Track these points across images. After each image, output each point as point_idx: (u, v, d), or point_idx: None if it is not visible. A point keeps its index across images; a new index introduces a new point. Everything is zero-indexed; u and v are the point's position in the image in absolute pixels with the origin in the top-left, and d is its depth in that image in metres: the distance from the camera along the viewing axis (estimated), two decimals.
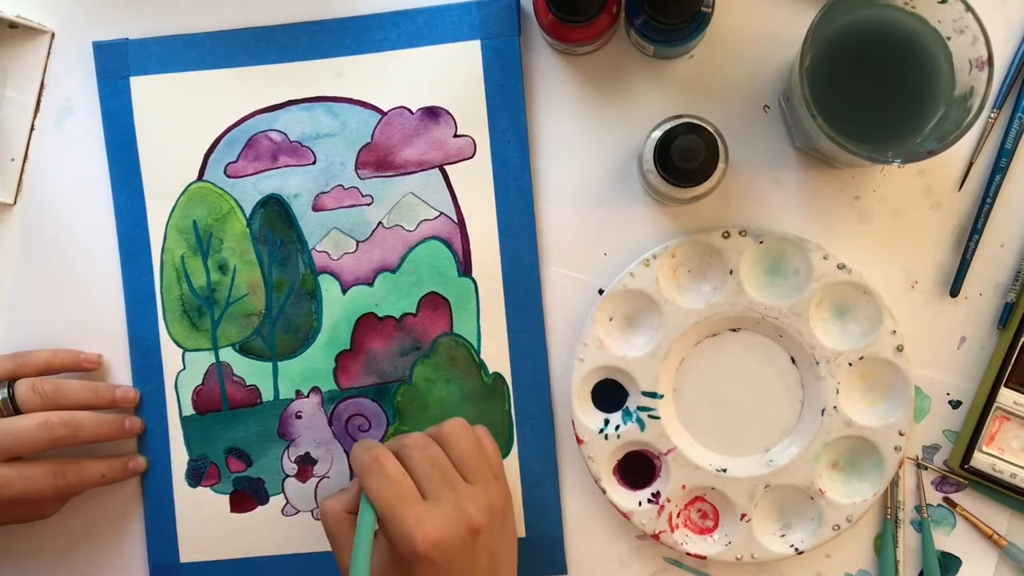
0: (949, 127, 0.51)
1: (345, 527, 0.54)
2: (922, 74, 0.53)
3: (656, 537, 0.59)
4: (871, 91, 0.54)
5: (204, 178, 0.62)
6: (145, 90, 0.63)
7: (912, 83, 0.53)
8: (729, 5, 0.60)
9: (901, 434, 0.58)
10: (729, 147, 0.55)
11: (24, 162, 0.64)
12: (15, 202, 0.64)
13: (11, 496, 0.57)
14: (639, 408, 0.60)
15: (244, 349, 0.62)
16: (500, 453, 0.57)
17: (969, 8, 0.50)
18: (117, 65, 0.63)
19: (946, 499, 0.60)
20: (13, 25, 0.63)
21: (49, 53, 0.64)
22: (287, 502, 0.63)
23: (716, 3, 0.55)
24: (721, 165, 0.54)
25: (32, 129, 0.64)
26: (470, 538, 0.51)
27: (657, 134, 0.55)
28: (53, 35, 0.64)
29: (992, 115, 0.60)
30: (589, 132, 0.61)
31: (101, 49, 0.63)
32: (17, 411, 0.59)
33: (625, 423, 0.60)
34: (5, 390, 0.59)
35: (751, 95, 0.60)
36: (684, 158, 0.54)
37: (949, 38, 0.52)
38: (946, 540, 0.60)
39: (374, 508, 0.52)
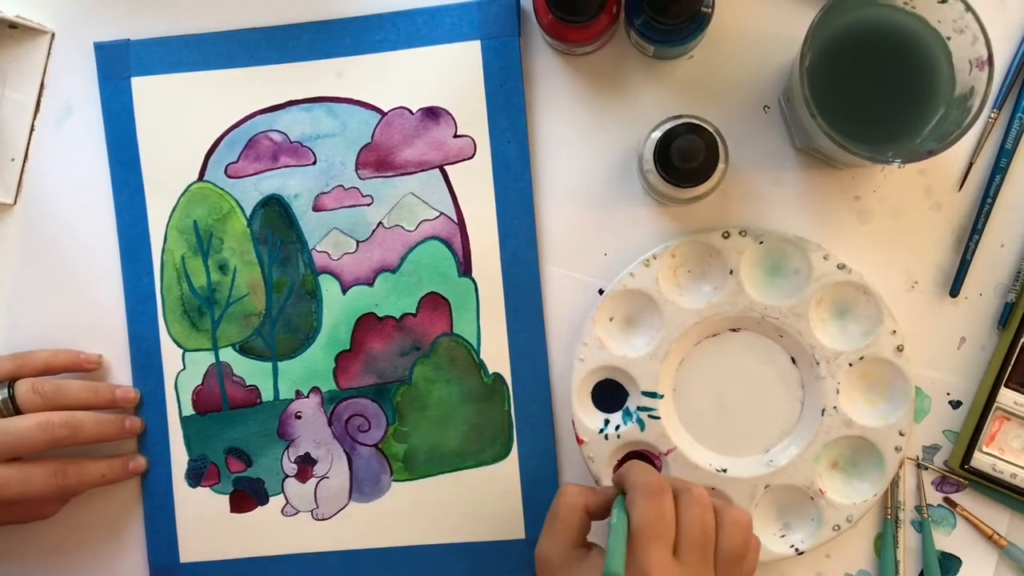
0: (949, 127, 0.51)
1: (576, 520, 0.51)
2: (922, 74, 0.53)
3: None
4: (871, 91, 0.54)
5: (205, 178, 0.62)
6: (146, 90, 0.63)
7: (912, 83, 0.53)
8: (729, 5, 0.60)
9: (901, 434, 0.58)
10: (729, 147, 0.55)
11: (24, 162, 0.64)
12: (15, 202, 0.64)
13: (11, 496, 0.57)
14: (639, 408, 0.60)
15: (244, 349, 0.62)
16: (754, 571, 0.53)
17: (969, 8, 0.50)
18: (118, 65, 0.63)
19: (946, 499, 0.60)
20: (13, 25, 0.63)
21: (49, 53, 0.64)
22: (287, 502, 0.62)
23: (716, 3, 0.55)
24: (721, 165, 0.54)
25: (32, 129, 0.64)
26: None
27: (657, 134, 0.55)
28: (53, 35, 0.64)
29: (992, 115, 0.60)
30: (589, 132, 0.61)
31: (102, 49, 0.63)
32: (17, 411, 0.59)
33: (625, 423, 0.60)
34: (5, 390, 0.59)
35: (751, 95, 0.60)
36: (684, 158, 0.54)
37: (949, 38, 0.52)
38: (946, 540, 0.60)
39: (629, 526, 0.49)
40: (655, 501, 0.49)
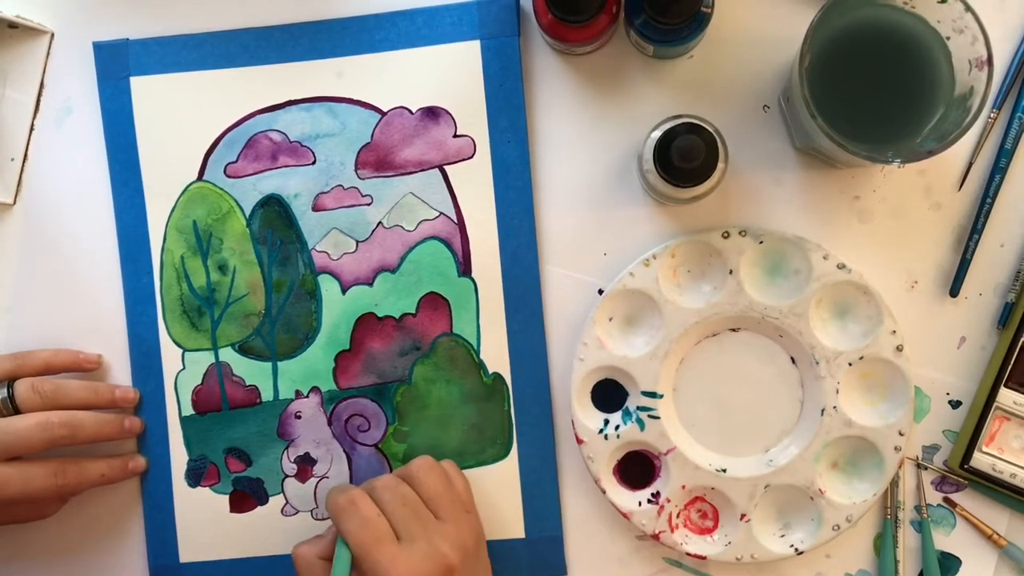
0: (949, 127, 0.51)
1: (318, 572, 0.54)
2: (922, 74, 0.53)
3: (656, 537, 0.59)
4: (871, 91, 0.54)
5: (204, 178, 0.62)
6: (145, 90, 0.63)
7: (912, 83, 0.53)
8: (729, 5, 0.60)
9: (901, 434, 0.58)
10: (729, 147, 0.55)
11: (24, 162, 0.64)
12: (15, 202, 0.64)
13: (11, 496, 0.57)
14: (639, 408, 0.60)
15: (244, 349, 0.62)
16: (469, 486, 0.58)
17: (969, 8, 0.50)
18: (117, 65, 0.63)
19: (946, 499, 0.60)
20: (13, 25, 0.63)
21: (49, 53, 0.64)
22: (287, 502, 0.62)
23: (716, 3, 0.55)
24: (721, 165, 0.54)
25: (32, 129, 0.64)
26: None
27: (657, 134, 0.55)
28: (53, 35, 0.64)
29: (992, 115, 0.60)
30: (589, 132, 0.61)
31: (101, 49, 0.63)
32: (17, 411, 0.59)
33: (625, 423, 0.60)
34: (5, 390, 0.59)
35: (751, 95, 0.60)
36: (684, 158, 0.54)
37: (949, 38, 0.52)
38: (946, 540, 0.60)
39: (350, 549, 0.52)
40: (353, 514, 0.52)
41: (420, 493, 0.55)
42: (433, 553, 0.52)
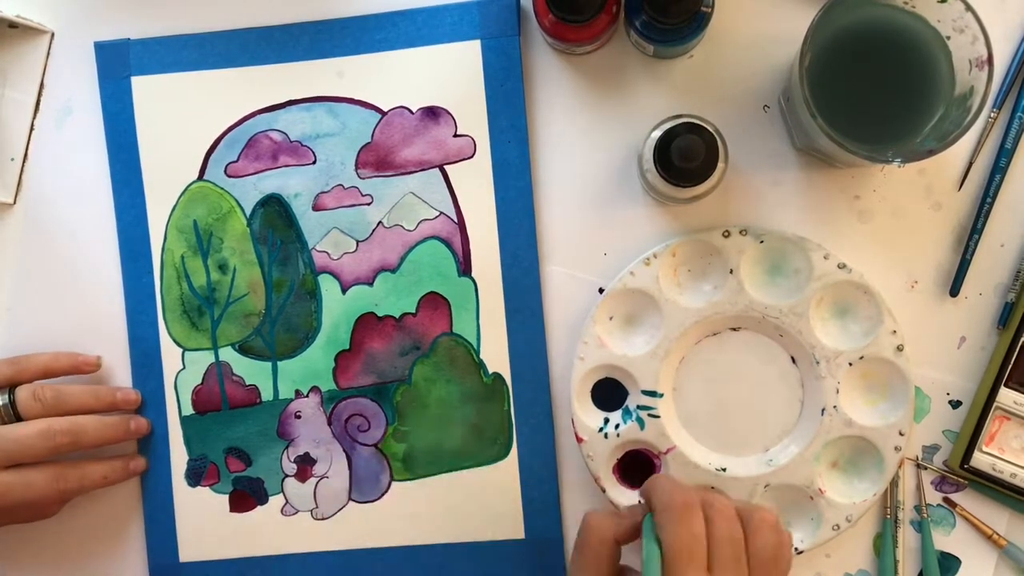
0: (949, 127, 0.51)
1: (607, 553, 0.51)
2: (922, 74, 0.53)
3: None
4: (871, 91, 0.54)
5: (204, 178, 0.62)
6: (146, 90, 0.63)
7: (912, 83, 0.53)
8: (729, 5, 0.60)
9: (901, 434, 0.58)
10: (729, 147, 0.55)
11: (24, 162, 0.64)
12: (15, 202, 0.64)
13: (12, 502, 0.58)
14: (639, 407, 0.60)
15: (244, 349, 0.62)
16: (791, 565, 0.52)
17: (969, 8, 0.50)
18: (118, 65, 0.63)
19: (946, 499, 0.60)
20: (13, 25, 0.63)
21: (49, 53, 0.64)
22: (287, 502, 0.62)
23: (716, 3, 0.55)
24: (721, 165, 0.54)
25: (32, 129, 0.64)
26: None
27: (657, 134, 0.55)
28: (53, 35, 0.64)
29: (992, 115, 0.60)
30: (589, 132, 0.61)
31: (102, 49, 0.63)
32: (18, 417, 0.59)
33: (625, 422, 0.60)
34: (5, 396, 0.59)
35: (751, 95, 0.60)
36: (684, 158, 0.54)
37: (949, 38, 0.52)
38: (946, 540, 0.60)
39: (662, 551, 0.48)
40: (684, 523, 0.48)
41: (749, 542, 0.50)
42: None
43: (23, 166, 0.64)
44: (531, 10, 0.59)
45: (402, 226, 0.62)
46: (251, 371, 0.62)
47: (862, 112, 0.54)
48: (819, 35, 0.51)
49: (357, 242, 0.62)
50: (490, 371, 0.61)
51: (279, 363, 0.62)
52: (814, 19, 0.50)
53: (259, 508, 0.63)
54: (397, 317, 0.62)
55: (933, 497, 0.61)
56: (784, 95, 0.58)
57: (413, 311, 0.62)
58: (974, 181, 0.60)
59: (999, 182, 0.59)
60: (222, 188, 0.62)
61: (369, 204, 0.62)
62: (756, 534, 0.49)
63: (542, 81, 0.61)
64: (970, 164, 0.60)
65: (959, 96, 0.52)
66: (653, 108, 0.61)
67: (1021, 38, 0.60)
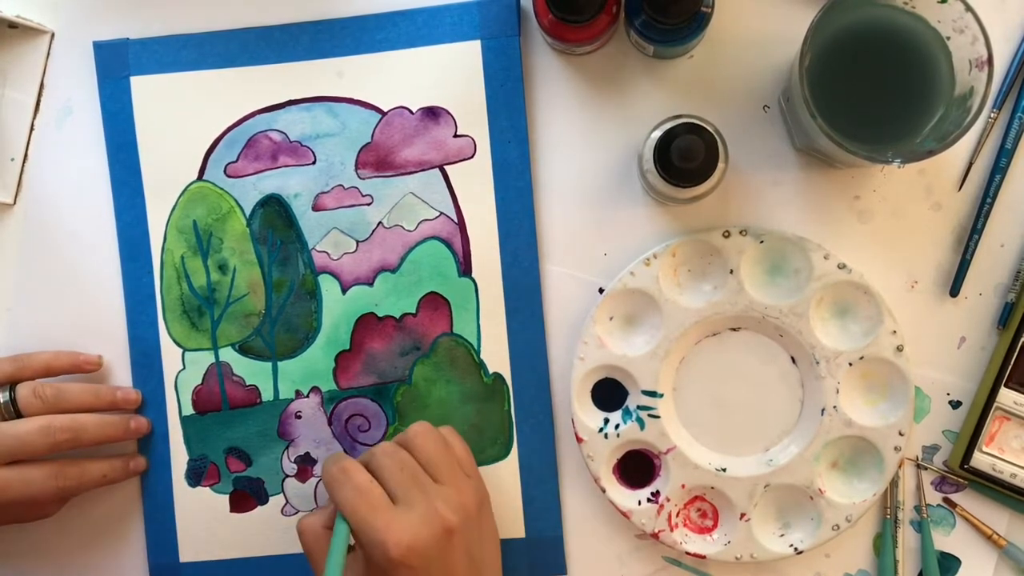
0: (949, 127, 0.51)
1: (323, 543, 0.53)
2: (922, 74, 0.53)
3: (655, 536, 0.59)
4: (871, 91, 0.54)
5: (204, 178, 0.62)
6: (145, 90, 0.63)
7: (912, 83, 0.53)
8: (729, 5, 0.60)
9: (901, 434, 0.58)
10: (729, 147, 0.55)
11: (24, 162, 0.64)
12: (15, 202, 0.64)
13: (11, 499, 0.57)
14: (639, 407, 0.60)
15: (244, 349, 0.62)
16: (470, 450, 0.57)
17: (969, 8, 0.50)
18: (118, 65, 0.63)
19: (946, 499, 0.60)
20: (13, 25, 0.63)
21: (49, 53, 0.64)
22: (287, 502, 0.63)
23: (716, 3, 0.55)
24: (721, 165, 0.54)
25: (32, 129, 0.64)
26: (445, 539, 0.51)
27: (657, 134, 0.55)
28: (53, 35, 0.64)
29: (992, 115, 0.60)
30: (589, 132, 0.61)
31: (102, 49, 0.63)
32: (18, 414, 0.59)
33: (625, 422, 0.60)
34: (6, 393, 0.59)
35: (751, 95, 0.60)
36: (684, 158, 0.54)
37: (949, 38, 0.52)
38: (946, 540, 0.60)
39: (347, 520, 0.52)
40: (344, 482, 0.52)
41: (418, 458, 0.54)
42: (431, 516, 0.51)
43: (23, 166, 0.64)
44: (531, 10, 0.59)
45: (402, 226, 0.62)
46: (251, 371, 0.62)
47: (862, 112, 0.54)
48: (819, 35, 0.51)
49: (357, 242, 0.62)
50: (490, 371, 0.61)
51: (279, 363, 0.62)
52: (814, 19, 0.50)
53: (259, 508, 0.63)
54: (397, 317, 0.62)
55: (933, 497, 0.61)
56: (784, 95, 0.58)
57: (413, 311, 0.62)
58: (974, 181, 0.60)
59: (999, 182, 0.59)
60: (222, 188, 0.62)
61: (369, 204, 0.62)
62: (417, 447, 0.54)
63: (542, 81, 0.61)
64: (970, 164, 0.60)
65: (959, 96, 0.52)
66: (653, 108, 0.61)
67: (1021, 38, 0.60)
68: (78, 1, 0.63)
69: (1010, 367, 0.58)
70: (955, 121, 0.51)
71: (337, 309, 0.62)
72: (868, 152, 0.51)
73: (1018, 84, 0.60)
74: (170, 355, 0.63)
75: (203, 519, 0.63)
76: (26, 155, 0.64)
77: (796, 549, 0.59)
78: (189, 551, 0.63)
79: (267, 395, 0.62)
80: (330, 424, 0.62)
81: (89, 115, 0.63)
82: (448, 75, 0.61)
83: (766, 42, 0.60)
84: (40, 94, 0.64)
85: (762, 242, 0.59)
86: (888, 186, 0.60)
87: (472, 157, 0.61)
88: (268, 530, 0.62)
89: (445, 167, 0.61)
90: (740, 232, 0.59)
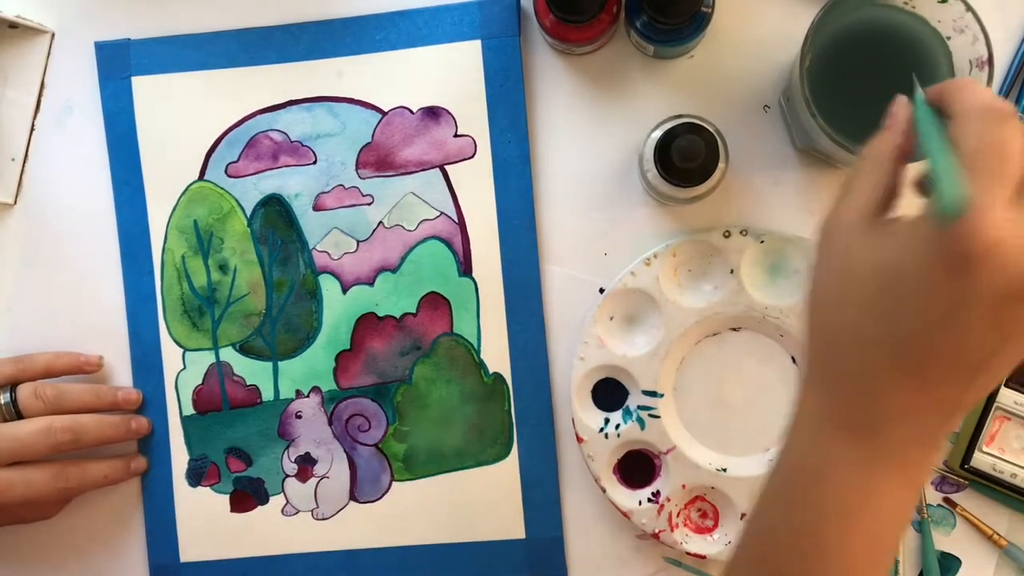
0: None
1: (883, 175, 0.39)
2: (922, 74, 0.53)
3: (656, 536, 0.59)
4: (871, 91, 0.54)
5: (205, 178, 0.62)
6: (146, 90, 0.63)
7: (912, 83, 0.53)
8: (729, 5, 0.60)
9: None
10: (729, 147, 0.55)
11: (24, 162, 0.64)
12: (15, 202, 0.64)
13: (13, 500, 0.58)
14: (639, 407, 0.60)
15: (244, 349, 0.62)
16: None
17: (969, 8, 0.50)
18: (119, 65, 0.63)
19: (946, 499, 0.60)
20: (13, 25, 0.63)
21: (49, 53, 0.64)
22: (287, 502, 0.62)
23: (716, 3, 0.55)
24: (721, 165, 0.54)
25: (32, 129, 0.64)
26: None
27: (657, 134, 0.55)
28: (53, 35, 0.64)
29: None
30: (589, 132, 0.61)
31: (103, 49, 0.63)
32: (19, 415, 0.59)
33: (625, 422, 0.60)
34: (7, 394, 0.59)
35: (751, 95, 0.60)
36: (684, 158, 0.54)
37: (949, 38, 0.52)
38: (946, 540, 0.60)
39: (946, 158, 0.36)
40: (995, 128, 0.36)
41: None
42: None
43: (23, 166, 0.64)
44: (531, 10, 0.59)
45: (402, 226, 0.62)
46: (252, 371, 0.62)
47: (862, 112, 0.53)
48: (820, 35, 0.51)
49: (357, 242, 0.62)
50: (490, 371, 0.61)
51: (280, 363, 0.62)
52: (814, 19, 0.50)
53: (260, 508, 0.63)
54: (398, 317, 0.62)
55: (933, 497, 0.61)
56: (784, 95, 0.58)
57: (414, 311, 0.62)
58: None
59: None
60: (222, 188, 0.62)
61: (369, 204, 0.62)
62: None
63: (542, 81, 0.62)
64: None
65: None
66: (653, 108, 0.61)
67: (1021, 38, 0.60)
68: (78, 1, 0.63)
69: None
70: None
71: (337, 309, 0.62)
72: None
73: (1018, 84, 0.60)
74: (170, 355, 0.63)
75: (203, 519, 0.63)
76: (27, 155, 0.64)
77: None
78: (189, 551, 0.63)
79: (267, 395, 0.62)
80: (330, 424, 0.62)
81: (90, 115, 0.63)
82: (448, 75, 0.61)
83: (766, 42, 0.60)
84: (41, 94, 0.64)
85: (762, 242, 0.59)
86: None
87: (472, 157, 0.61)
88: (268, 530, 0.62)
89: (445, 167, 0.61)
90: (740, 232, 0.59)
